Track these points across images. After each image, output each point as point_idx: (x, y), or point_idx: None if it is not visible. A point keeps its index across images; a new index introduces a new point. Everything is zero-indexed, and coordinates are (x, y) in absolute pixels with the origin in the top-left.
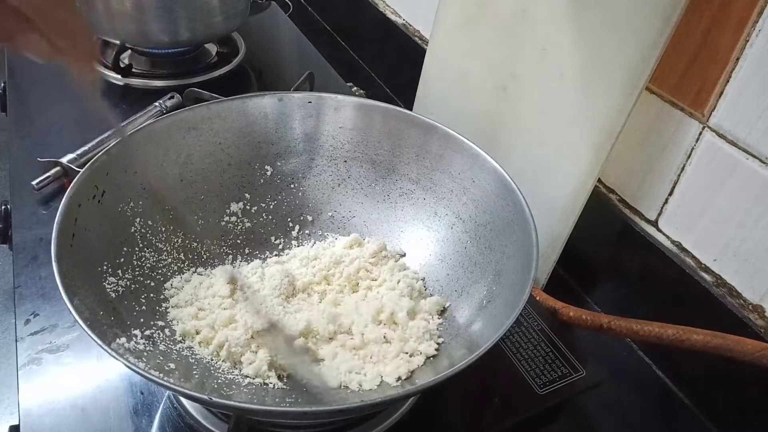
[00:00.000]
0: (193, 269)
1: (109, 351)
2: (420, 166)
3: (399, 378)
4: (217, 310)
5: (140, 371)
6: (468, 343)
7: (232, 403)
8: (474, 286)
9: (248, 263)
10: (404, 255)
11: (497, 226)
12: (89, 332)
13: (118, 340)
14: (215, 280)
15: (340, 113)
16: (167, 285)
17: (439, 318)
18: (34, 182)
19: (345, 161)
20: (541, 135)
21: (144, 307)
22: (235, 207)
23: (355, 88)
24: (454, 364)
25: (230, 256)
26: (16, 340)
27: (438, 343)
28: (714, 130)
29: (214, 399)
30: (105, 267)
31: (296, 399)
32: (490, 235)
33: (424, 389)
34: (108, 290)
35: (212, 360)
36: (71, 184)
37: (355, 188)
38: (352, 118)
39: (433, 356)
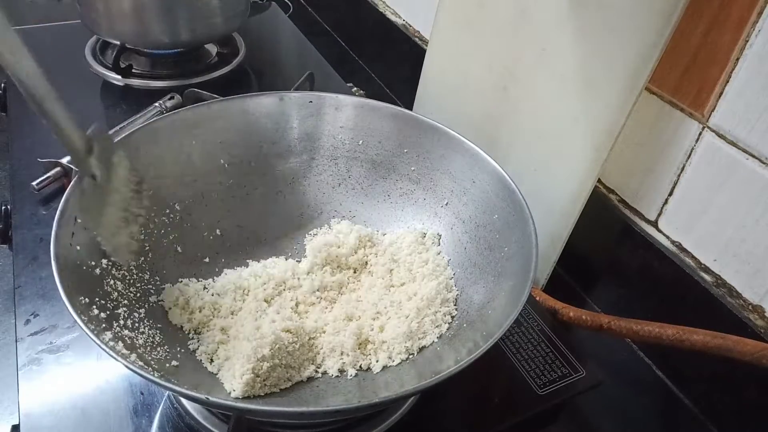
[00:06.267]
0: (194, 270)
1: (109, 352)
2: (420, 166)
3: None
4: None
5: (140, 371)
6: (468, 344)
7: (230, 402)
8: (473, 287)
9: (248, 263)
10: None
11: (497, 227)
12: (89, 334)
13: (118, 341)
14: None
15: (341, 113)
16: (166, 286)
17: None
18: (34, 183)
19: (345, 161)
20: (541, 135)
21: (145, 308)
22: (235, 206)
23: (355, 88)
24: (453, 364)
25: (230, 256)
26: (16, 341)
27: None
28: (714, 131)
29: (211, 399)
30: (105, 266)
31: (295, 399)
32: (490, 236)
33: (422, 389)
34: (108, 290)
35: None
36: (71, 184)
37: (355, 188)
38: (352, 118)
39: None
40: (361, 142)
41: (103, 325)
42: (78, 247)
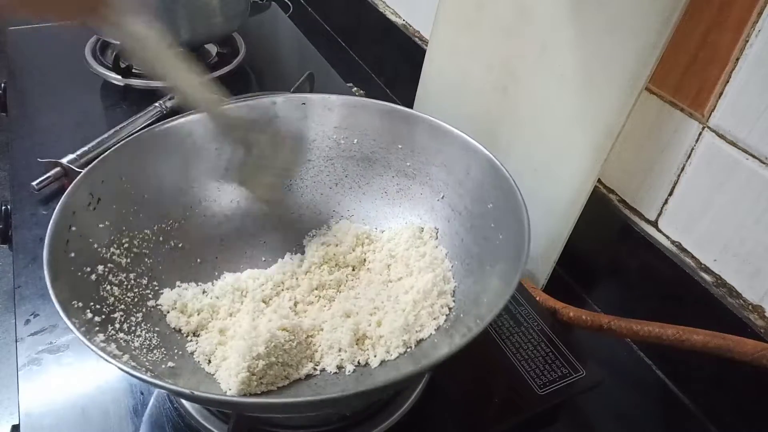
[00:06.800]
0: (193, 275)
1: (99, 352)
2: (415, 161)
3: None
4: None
5: (130, 371)
6: (462, 331)
7: (217, 397)
8: (471, 277)
9: (247, 267)
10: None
11: (492, 216)
12: (80, 335)
13: (113, 344)
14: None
15: (333, 113)
16: (165, 291)
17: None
18: (34, 183)
19: (341, 160)
20: (541, 135)
21: (142, 312)
22: (233, 210)
23: (355, 88)
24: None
25: (229, 260)
26: (16, 341)
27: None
28: (714, 131)
29: (196, 393)
30: (102, 272)
31: (292, 396)
32: (486, 226)
33: (413, 375)
34: (105, 295)
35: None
36: (66, 192)
37: (352, 187)
38: (346, 117)
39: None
40: (355, 140)
41: (96, 328)
42: (72, 254)
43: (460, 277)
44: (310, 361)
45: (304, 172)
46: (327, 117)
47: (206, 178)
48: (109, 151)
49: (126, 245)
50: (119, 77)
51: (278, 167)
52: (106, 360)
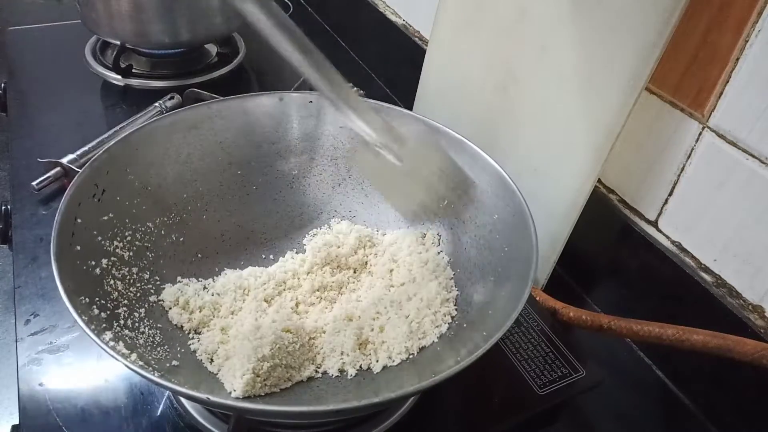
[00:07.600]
0: (194, 270)
1: (110, 352)
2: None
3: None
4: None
5: (140, 371)
6: (468, 344)
7: (230, 402)
8: (473, 287)
9: (247, 264)
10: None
11: (497, 227)
12: (90, 334)
13: (118, 341)
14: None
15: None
16: (166, 286)
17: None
18: (34, 183)
19: (345, 161)
20: (541, 135)
21: (145, 308)
22: (235, 206)
23: (355, 88)
24: (453, 364)
25: (230, 256)
26: (16, 340)
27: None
28: (714, 131)
29: (212, 399)
30: (105, 266)
31: (295, 399)
32: (490, 236)
33: (421, 390)
34: (108, 290)
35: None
36: (72, 183)
37: (355, 188)
38: None
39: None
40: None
41: (104, 325)
42: (78, 247)
43: (462, 286)
44: (312, 364)
45: (307, 170)
46: (334, 116)
47: (210, 172)
48: (113, 142)
49: (129, 238)
50: (119, 77)
51: (418, 180)
52: (116, 359)
